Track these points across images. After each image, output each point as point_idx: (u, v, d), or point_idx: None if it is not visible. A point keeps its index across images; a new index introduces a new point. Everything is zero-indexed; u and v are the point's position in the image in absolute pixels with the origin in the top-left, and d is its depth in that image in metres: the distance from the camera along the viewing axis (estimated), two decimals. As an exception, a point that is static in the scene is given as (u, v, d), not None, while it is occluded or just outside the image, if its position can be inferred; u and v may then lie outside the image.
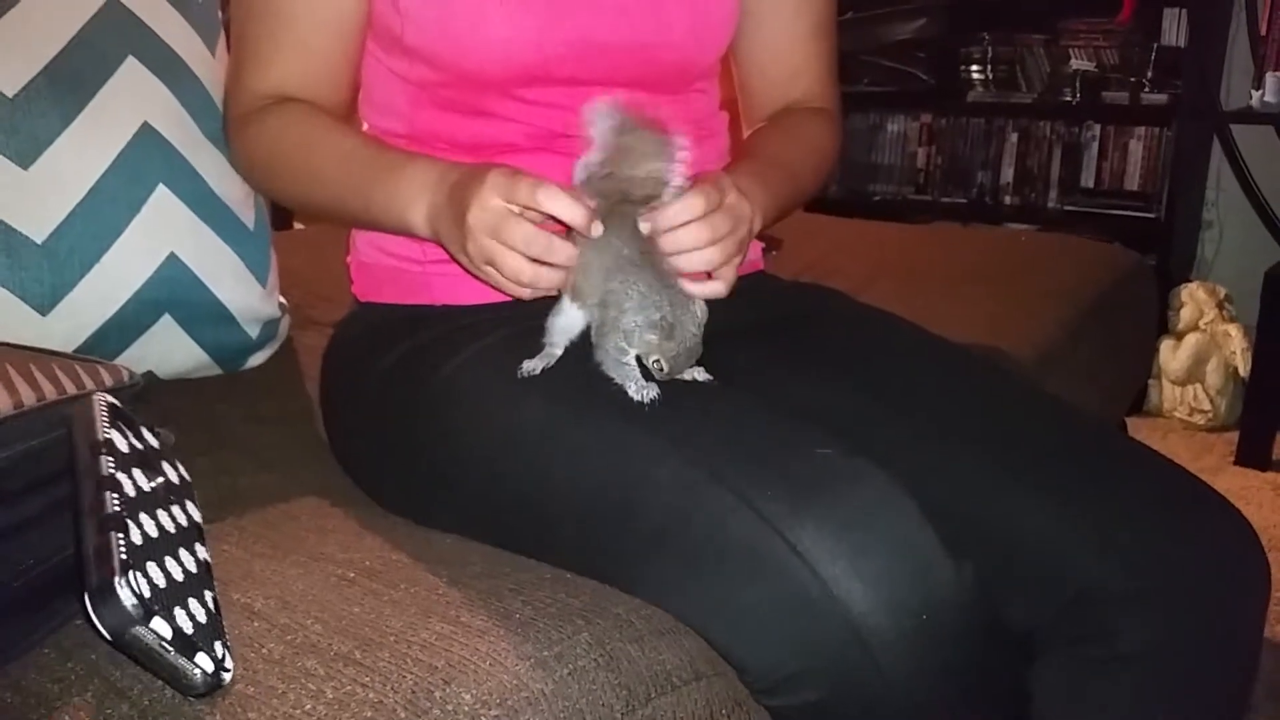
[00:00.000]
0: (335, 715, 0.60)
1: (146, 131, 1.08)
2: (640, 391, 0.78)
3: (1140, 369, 2.07)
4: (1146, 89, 2.86)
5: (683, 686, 0.71)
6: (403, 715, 0.60)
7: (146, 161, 1.08)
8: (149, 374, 0.98)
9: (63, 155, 1.03)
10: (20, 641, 0.65)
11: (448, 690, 0.62)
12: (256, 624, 0.68)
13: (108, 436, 0.65)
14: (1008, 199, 3.11)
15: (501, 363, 0.84)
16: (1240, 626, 0.79)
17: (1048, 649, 0.79)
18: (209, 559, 0.68)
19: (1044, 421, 0.87)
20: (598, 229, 0.78)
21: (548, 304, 0.84)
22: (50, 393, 0.68)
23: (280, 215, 1.59)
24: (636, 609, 0.73)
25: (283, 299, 1.25)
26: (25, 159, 1.02)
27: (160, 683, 0.60)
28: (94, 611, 0.55)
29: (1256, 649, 0.80)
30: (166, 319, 1.10)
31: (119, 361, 0.95)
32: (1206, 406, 2.56)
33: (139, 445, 0.69)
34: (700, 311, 0.79)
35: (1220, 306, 2.61)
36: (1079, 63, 2.95)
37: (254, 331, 1.18)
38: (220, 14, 1.19)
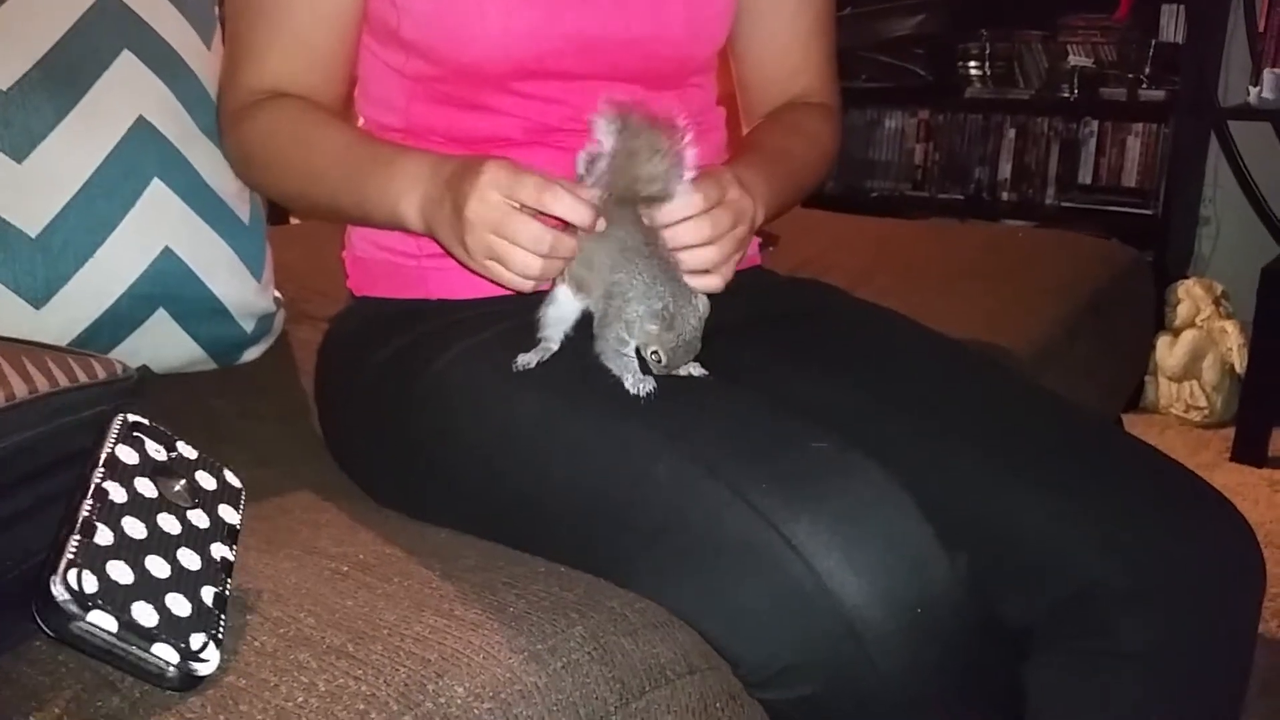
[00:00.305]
0: (328, 708, 0.60)
1: (141, 125, 1.08)
2: (637, 384, 0.78)
3: (1137, 365, 2.07)
4: (1144, 85, 2.86)
5: (677, 680, 0.71)
6: (395, 708, 0.60)
7: (141, 155, 1.07)
8: (143, 368, 0.98)
9: (57, 149, 1.03)
10: (10, 634, 0.64)
11: (441, 683, 0.62)
12: (249, 617, 0.68)
13: (110, 452, 0.67)
14: (1005, 195, 3.11)
15: (497, 357, 0.84)
16: (1238, 623, 0.79)
17: (1045, 645, 0.79)
18: (229, 558, 0.68)
19: (1043, 418, 0.87)
20: (601, 225, 0.78)
21: (543, 298, 0.83)
22: (43, 385, 0.67)
23: (275, 209, 1.59)
24: (631, 603, 0.73)
25: (278, 293, 1.25)
26: (19, 153, 1.02)
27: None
28: (35, 609, 0.57)
29: (1251, 644, 0.80)
30: (161, 313, 1.10)
31: (113, 356, 0.94)
32: (1203, 403, 2.57)
33: (160, 457, 0.71)
34: (702, 305, 0.79)
35: (1217, 303, 2.61)
36: (1077, 59, 2.95)
37: (249, 326, 1.18)
38: (216, 8, 1.19)
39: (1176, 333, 2.62)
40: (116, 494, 0.65)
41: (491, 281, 0.81)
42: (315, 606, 0.70)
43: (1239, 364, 2.52)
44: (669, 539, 0.73)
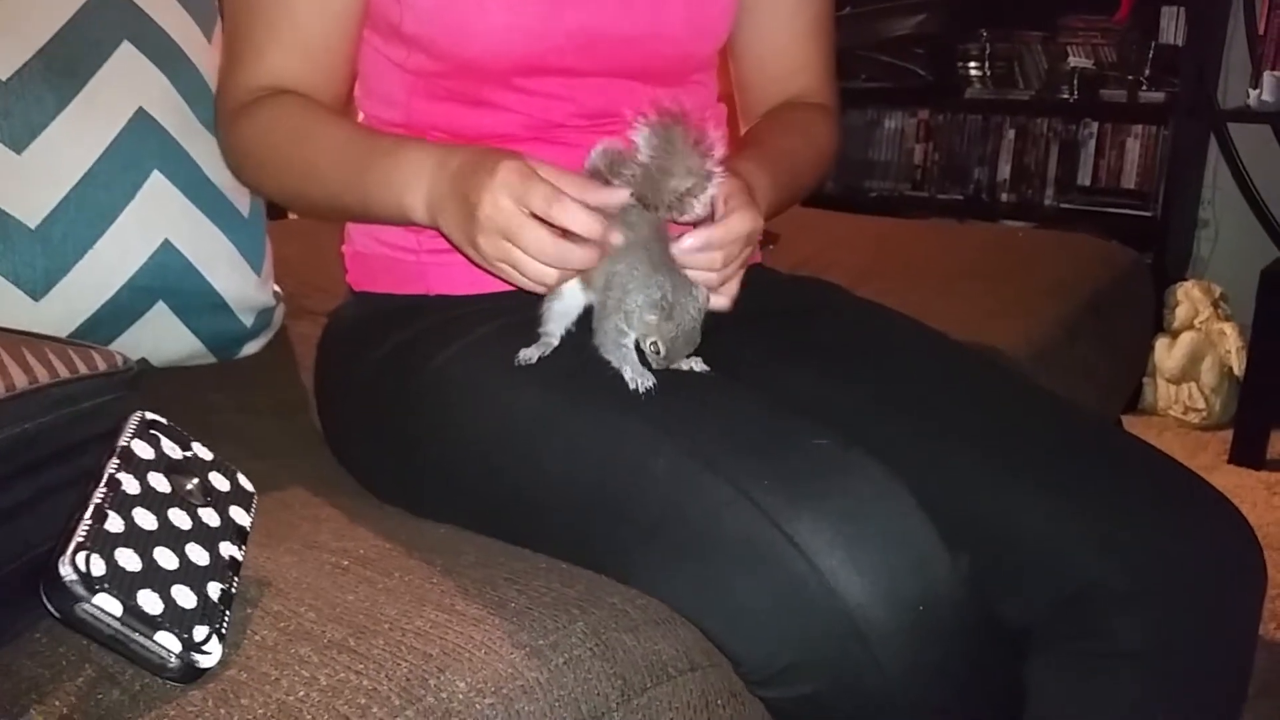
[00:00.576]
0: (329, 702, 0.59)
1: (141, 117, 1.07)
2: (636, 376, 0.78)
3: (1136, 367, 2.07)
4: (1144, 87, 2.86)
5: (678, 677, 0.71)
6: (397, 703, 0.60)
7: (141, 147, 1.07)
8: (142, 361, 0.98)
9: (57, 140, 1.03)
10: (11, 626, 0.64)
11: (442, 678, 0.62)
12: (249, 610, 0.68)
13: (126, 445, 0.68)
14: (1004, 196, 3.11)
15: (497, 352, 0.84)
16: (1238, 624, 0.79)
17: (1045, 646, 0.78)
18: (237, 558, 0.68)
19: (1042, 418, 0.87)
20: (616, 239, 0.78)
21: (545, 294, 0.83)
22: (43, 376, 0.67)
23: (275, 204, 1.58)
24: (632, 599, 0.73)
25: (277, 287, 1.25)
26: (19, 144, 1.01)
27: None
28: (42, 590, 0.58)
29: (1252, 646, 0.80)
30: (160, 306, 1.10)
31: (112, 349, 0.94)
32: (1201, 405, 2.57)
33: (175, 455, 0.71)
34: (701, 297, 0.79)
35: (1215, 305, 2.62)
36: (1077, 60, 2.95)
37: (248, 320, 1.18)
38: (216, 0, 1.18)
39: (1175, 335, 2.62)
40: (130, 485, 0.65)
41: (495, 277, 0.81)
42: (316, 601, 0.70)
43: (1237, 366, 2.52)
44: (666, 534, 0.73)
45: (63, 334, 1.02)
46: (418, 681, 0.62)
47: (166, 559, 0.63)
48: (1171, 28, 2.82)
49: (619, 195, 0.78)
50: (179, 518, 0.67)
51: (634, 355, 0.78)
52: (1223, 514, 0.80)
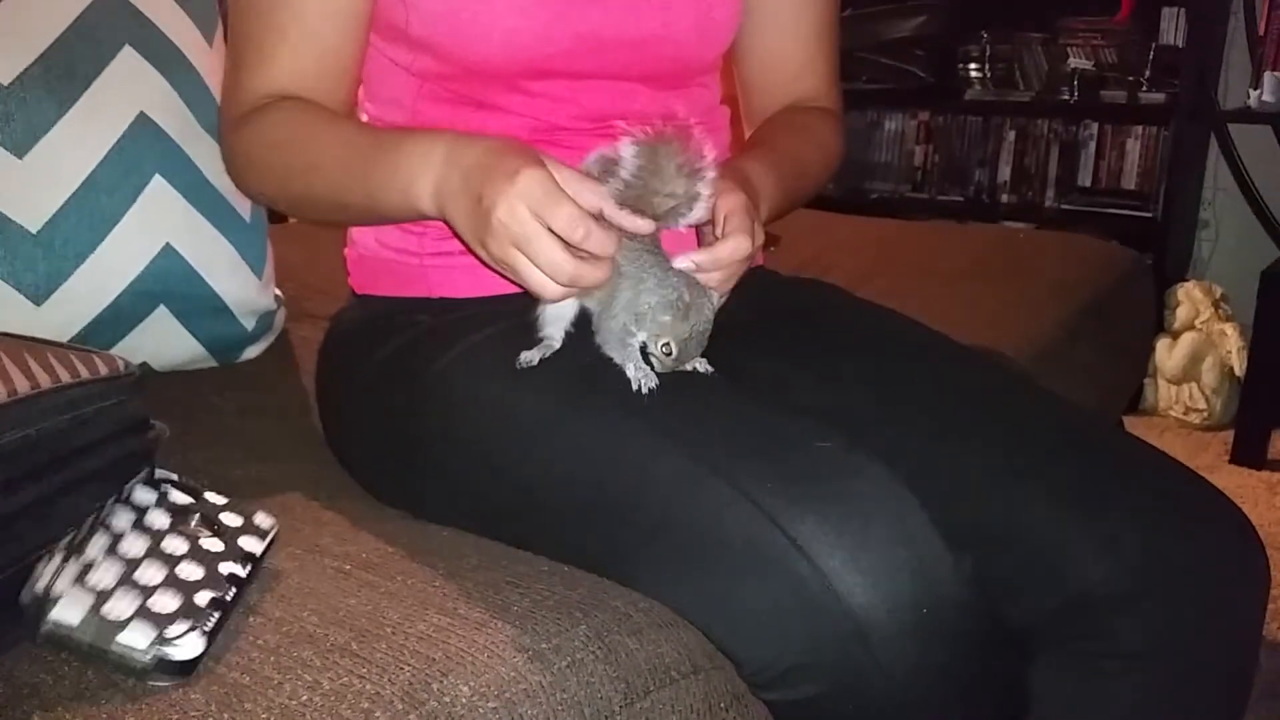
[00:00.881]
0: (332, 706, 0.59)
1: (143, 122, 1.07)
2: (639, 375, 0.77)
3: (1137, 368, 2.07)
4: (1144, 88, 2.86)
5: (681, 680, 0.71)
6: (400, 707, 0.60)
7: (142, 152, 1.07)
8: (144, 365, 0.98)
9: (58, 145, 1.03)
10: (12, 631, 0.64)
11: (445, 682, 0.62)
12: (251, 615, 0.68)
13: (126, 492, 0.72)
14: (1005, 197, 3.11)
15: (498, 355, 0.84)
16: (1240, 624, 0.79)
17: (1047, 647, 0.78)
18: (238, 574, 0.68)
19: (1044, 418, 0.87)
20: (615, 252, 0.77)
21: None
22: (45, 381, 0.67)
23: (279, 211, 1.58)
24: (635, 602, 0.73)
25: (278, 291, 1.25)
26: (20, 148, 1.01)
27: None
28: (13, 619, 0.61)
29: (1255, 646, 0.80)
30: (162, 310, 1.10)
31: (113, 353, 0.94)
32: (1202, 405, 2.57)
33: (181, 500, 0.74)
34: (715, 300, 0.78)
35: (1216, 306, 2.62)
36: (1077, 61, 2.95)
37: (250, 324, 1.18)
38: (218, 4, 1.18)
39: (1176, 335, 2.62)
40: (120, 521, 0.68)
41: (504, 280, 0.80)
42: (318, 605, 0.70)
43: (1238, 367, 2.52)
44: (669, 536, 0.73)
45: (64, 339, 1.02)
46: (420, 686, 0.62)
47: (150, 576, 0.64)
48: (1172, 29, 2.82)
49: (645, 225, 0.77)
50: (174, 544, 0.68)
51: (638, 354, 0.78)
52: (1225, 514, 0.80)
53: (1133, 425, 2.46)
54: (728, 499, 0.70)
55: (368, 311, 0.99)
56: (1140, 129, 2.91)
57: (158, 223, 1.08)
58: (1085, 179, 3.00)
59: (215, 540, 0.71)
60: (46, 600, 0.60)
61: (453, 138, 0.81)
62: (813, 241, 1.73)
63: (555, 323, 0.83)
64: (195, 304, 1.12)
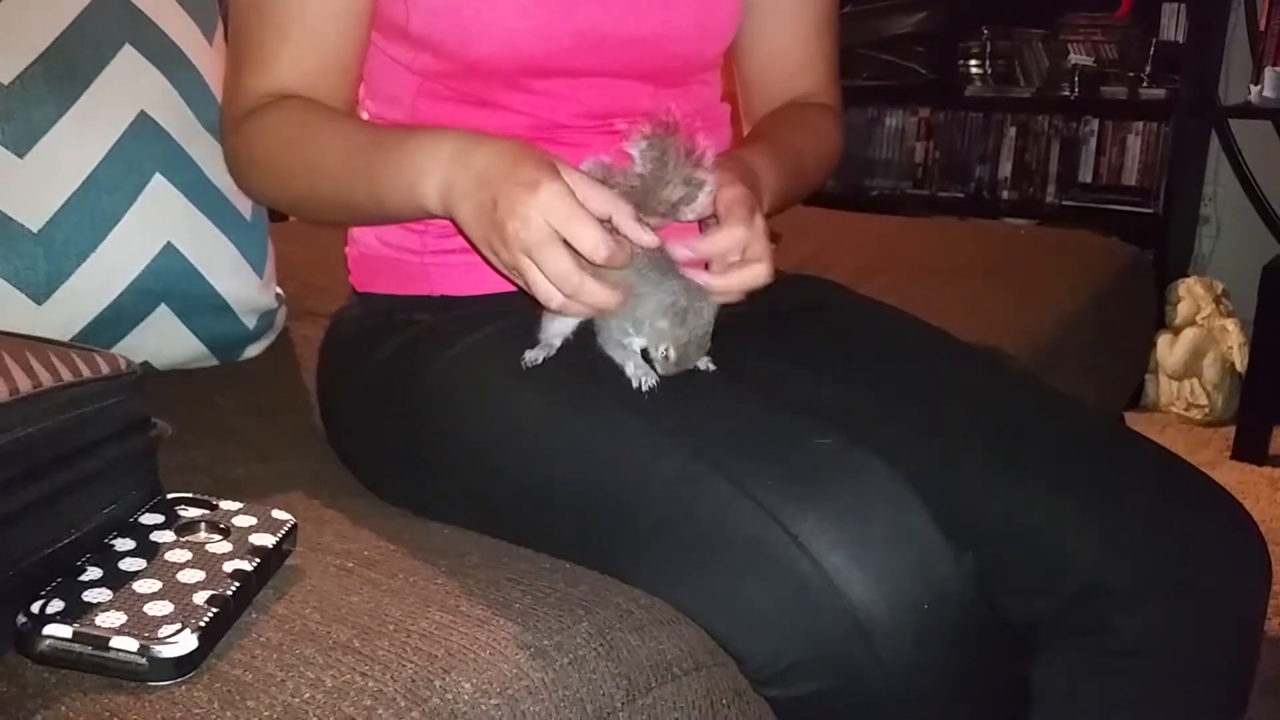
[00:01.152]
0: (335, 704, 0.59)
1: (143, 120, 1.07)
2: (639, 373, 0.77)
3: (1138, 363, 2.07)
4: (1145, 84, 2.86)
5: (683, 676, 0.71)
6: (402, 704, 0.60)
7: (143, 150, 1.07)
8: (145, 364, 0.97)
9: (59, 143, 1.03)
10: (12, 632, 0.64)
11: (447, 679, 0.62)
12: (253, 613, 0.68)
13: (132, 520, 0.73)
14: (1005, 194, 3.11)
15: (500, 353, 0.84)
16: (1242, 620, 0.79)
17: (1049, 643, 0.78)
18: (244, 569, 0.69)
19: (1045, 415, 0.87)
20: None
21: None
22: (46, 380, 0.67)
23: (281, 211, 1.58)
24: (637, 599, 0.73)
25: (280, 289, 1.25)
26: (21, 147, 1.01)
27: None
28: (12, 642, 0.62)
29: (1257, 642, 0.80)
30: (163, 309, 1.10)
31: (114, 352, 0.94)
32: (1203, 401, 2.57)
33: (190, 514, 0.74)
34: (715, 304, 0.78)
35: (1217, 301, 2.62)
36: (1078, 57, 2.95)
37: (251, 322, 1.18)
38: (218, 2, 1.18)
39: (1177, 331, 2.62)
40: (123, 544, 0.69)
41: (506, 280, 0.80)
42: (320, 602, 0.70)
43: (1239, 362, 2.52)
44: (670, 534, 0.73)
45: (65, 338, 1.02)
46: (423, 683, 0.62)
47: (147, 586, 0.65)
48: (1172, 24, 2.82)
49: (651, 239, 0.77)
50: (176, 555, 0.69)
51: (638, 355, 0.78)
52: (1227, 510, 0.80)
53: (1134, 421, 2.46)
54: (729, 497, 0.70)
55: (369, 310, 0.99)
56: (1141, 125, 2.91)
57: (159, 221, 1.08)
58: (1086, 175, 3.00)
59: (223, 543, 0.71)
60: (41, 618, 0.61)
61: (459, 136, 0.81)
62: (813, 238, 1.73)
63: (556, 335, 0.83)
64: (196, 302, 1.12)
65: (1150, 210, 2.87)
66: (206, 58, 1.14)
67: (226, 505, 0.76)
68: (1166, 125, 2.85)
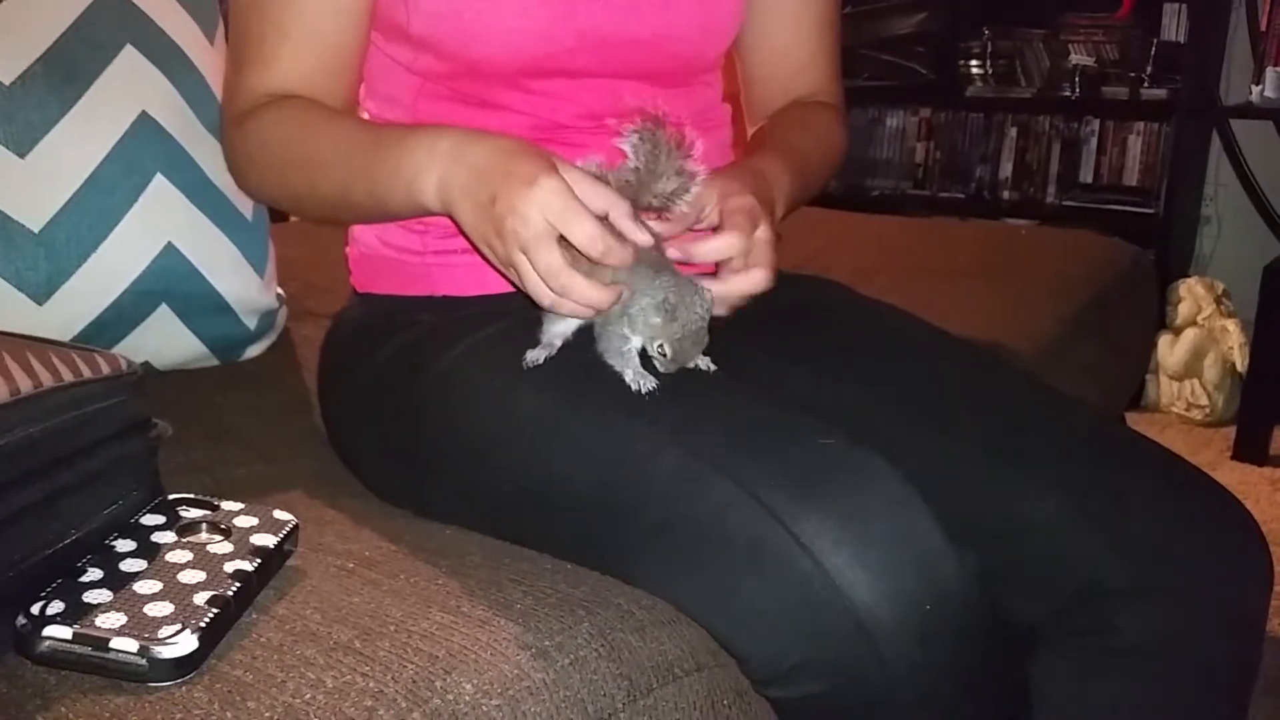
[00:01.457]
0: (335, 704, 0.59)
1: (144, 120, 1.07)
2: (637, 379, 0.77)
3: (1138, 364, 2.07)
4: (1146, 84, 2.86)
5: (684, 677, 0.71)
6: (403, 705, 0.60)
7: (144, 151, 1.07)
8: (146, 364, 0.97)
9: (60, 144, 1.03)
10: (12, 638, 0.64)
11: (449, 679, 0.62)
12: (254, 614, 0.68)
13: (134, 521, 0.73)
14: (1006, 194, 3.11)
15: (500, 353, 0.84)
16: (1244, 620, 0.78)
17: (1051, 642, 0.78)
18: (245, 569, 0.69)
19: (1047, 414, 0.87)
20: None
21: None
22: (47, 380, 0.67)
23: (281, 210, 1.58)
24: (638, 599, 0.73)
25: (280, 290, 1.25)
26: (22, 147, 1.01)
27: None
28: (12, 644, 0.62)
29: (1259, 642, 0.80)
30: (164, 309, 1.10)
31: (115, 352, 0.94)
32: (1204, 401, 2.57)
33: (191, 515, 0.75)
34: (707, 298, 0.78)
35: (1218, 302, 2.62)
36: (1078, 58, 2.95)
37: (252, 323, 1.18)
38: (219, 2, 1.18)
39: (1178, 331, 2.62)
40: (124, 545, 0.69)
41: (506, 279, 0.81)
42: (321, 603, 0.70)
43: (1240, 363, 2.52)
44: (672, 534, 0.73)
45: (66, 338, 1.02)
46: (424, 683, 0.62)
47: (148, 587, 0.65)
48: (1173, 24, 2.82)
49: (646, 238, 0.78)
50: (177, 556, 0.69)
51: (636, 360, 0.78)
52: (1229, 510, 0.80)
53: (1134, 421, 2.46)
54: (730, 496, 0.70)
55: (369, 310, 0.99)
56: (1142, 125, 2.91)
57: (159, 222, 1.08)
58: (1087, 175, 3.00)
59: (224, 543, 0.71)
60: (41, 619, 0.61)
61: (458, 133, 0.81)
62: (814, 238, 1.73)
63: (556, 337, 0.83)
64: (197, 303, 1.12)
65: (1151, 210, 2.87)
66: (207, 58, 1.14)
67: (228, 506, 0.76)
68: (1167, 125, 2.85)
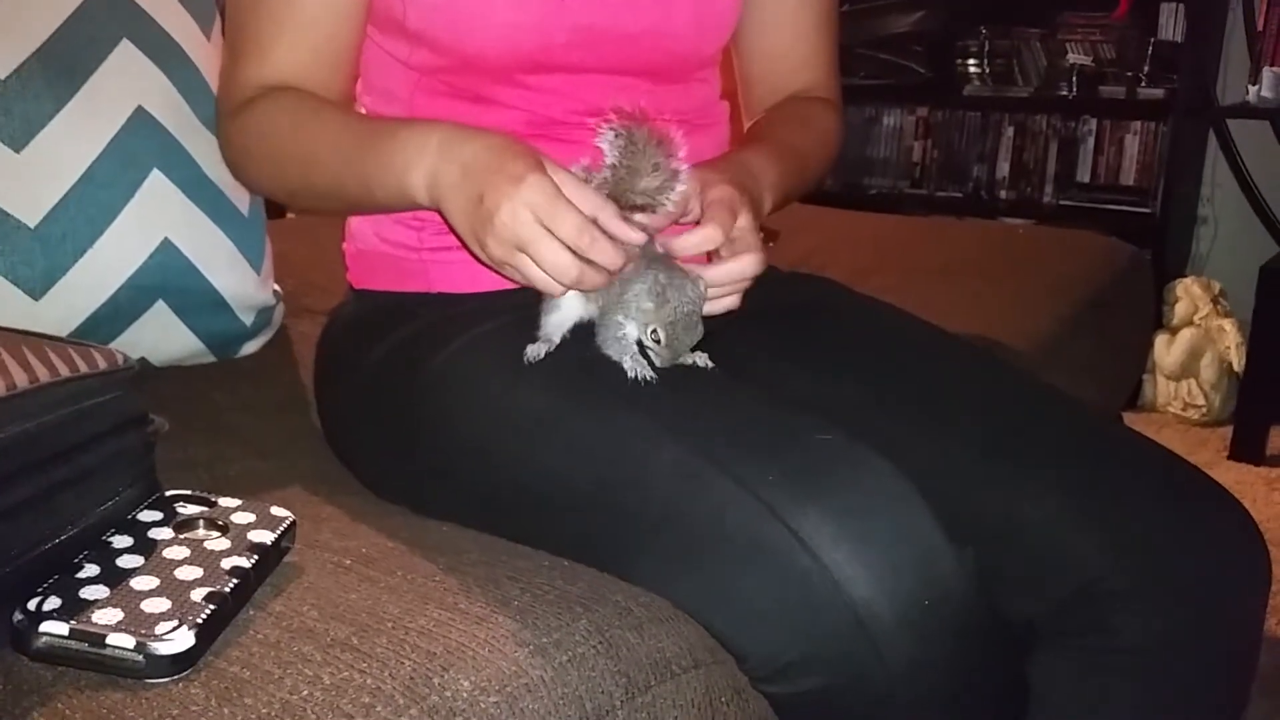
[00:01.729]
0: (333, 701, 0.59)
1: (141, 116, 1.07)
2: (635, 366, 0.77)
3: (1136, 364, 2.07)
4: (1143, 84, 2.86)
5: (682, 674, 0.71)
6: (401, 701, 0.60)
7: (141, 146, 1.07)
8: (142, 360, 0.97)
9: (56, 139, 1.02)
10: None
11: (446, 676, 0.62)
12: (251, 610, 0.68)
13: (131, 516, 0.73)
14: (1003, 193, 3.11)
15: (497, 349, 0.83)
16: (1241, 619, 0.79)
17: (1048, 642, 0.78)
18: (242, 566, 0.68)
19: (1044, 413, 0.87)
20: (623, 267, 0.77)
21: (543, 295, 0.83)
22: (44, 375, 0.67)
23: (275, 201, 1.58)
24: (636, 596, 0.73)
25: (277, 286, 1.24)
26: (18, 142, 1.01)
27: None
28: (9, 640, 0.62)
29: (1257, 642, 0.80)
30: (160, 305, 1.09)
31: (112, 348, 0.94)
32: (1200, 401, 2.57)
33: (188, 511, 0.74)
34: (700, 285, 0.79)
35: (1215, 301, 2.62)
36: (1076, 57, 2.95)
37: (248, 319, 1.18)
38: (215, -2, 1.18)
39: (1174, 331, 2.63)
40: (120, 541, 0.69)
41: (503, 277, 0.80)
42: (318, 600, 0.70)
43: (1237, 362, 2.52)
44: (670, 530, 0.73)
45: (62, 333, 1.01)
46: (421, 680, 0.61)
47: (145, 583, 0.65)
48: (1170, 24, 2.82)
49: (638, 236, 0.78)
50: (174, 552, 0.69)
51: (634, 348, 0.78)
52: (1226, 510, 0.80)
53: (1131, 421, 2.45)
54: (729, 493, 0.70)
55: (366, 306, 0.99)
56: (1139, 125, 2.91)
57: (156, 217, 1.08)
58: (1084, 175, 3.00)
59: (221, 540, 0.71)
60: (37, 615, 0.60)
61: (448, 128, 0.81)
62: (811, 237, 1.73)
63: (555, 329, 0.83)
64: (194, 299, 1.11)
65: (1148, 210, 2.87)
66: (204, 53, 1.14)
67: (225, 502, 0.76)
68: (1164, 125, 2.85)
